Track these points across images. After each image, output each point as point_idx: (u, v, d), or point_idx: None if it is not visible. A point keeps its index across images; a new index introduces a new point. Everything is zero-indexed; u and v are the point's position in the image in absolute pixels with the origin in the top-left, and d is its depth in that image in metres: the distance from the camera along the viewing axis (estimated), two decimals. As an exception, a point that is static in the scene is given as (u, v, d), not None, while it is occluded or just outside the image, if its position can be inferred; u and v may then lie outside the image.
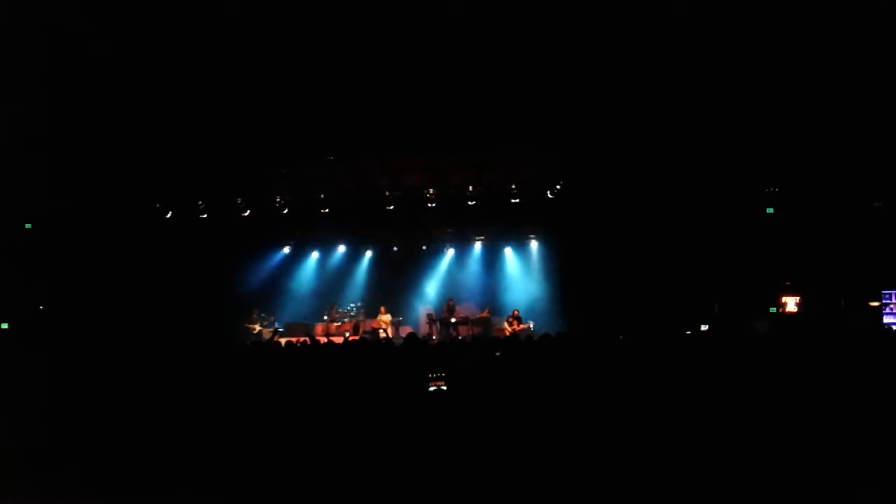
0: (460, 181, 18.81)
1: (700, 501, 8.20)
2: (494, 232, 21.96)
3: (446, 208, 19.38)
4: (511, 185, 18.77)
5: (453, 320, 20.91)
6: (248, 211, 19.65)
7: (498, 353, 11.51)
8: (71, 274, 18.96)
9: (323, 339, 14.90)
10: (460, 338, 19.92)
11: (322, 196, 19.59)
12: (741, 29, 14.09)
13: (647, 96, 15.57)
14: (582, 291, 19.15)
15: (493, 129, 15.82)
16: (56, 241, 18.93)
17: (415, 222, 20.59)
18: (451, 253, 22.77)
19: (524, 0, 13.15)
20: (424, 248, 22.76)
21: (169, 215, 19.53)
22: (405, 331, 20.60)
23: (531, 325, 19.76)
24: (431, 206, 19.29)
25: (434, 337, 20.34)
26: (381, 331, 20.44)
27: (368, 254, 23.08)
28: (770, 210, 17.75)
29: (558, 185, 18.47)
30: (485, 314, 21.25)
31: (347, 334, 20.45)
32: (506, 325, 20.15)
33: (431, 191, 19.02)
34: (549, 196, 18.63)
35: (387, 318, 20.97)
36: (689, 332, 15.18)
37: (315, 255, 23.08)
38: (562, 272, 20.42)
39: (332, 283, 22.69)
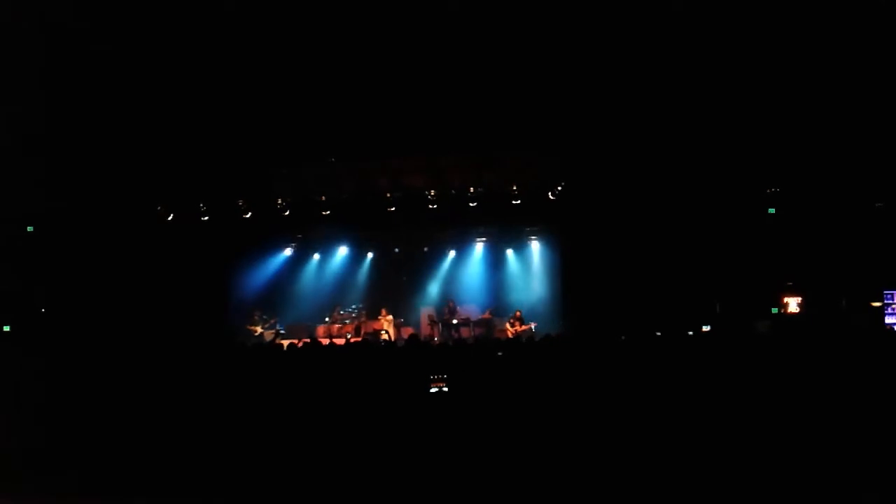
0: (461, 182, 18.78)
1: (702, 501, 8.21)
2: (496, 233, 21.93)
3: (447, 209, 19.34)
4: (512, 186, 18.74)
5: (454, 322, 20.90)
6: (250, 213, 19.62)
7: (500, 354, 11.53)
8: (72, 276, 18.95)
9: (325, 341, 14.90)
10: (462, 339, 19.94)
11: (323, 198, 19.56)
12: (742, 29, 14.09)
13: (648, 96, 15.56)
14: (583, 292, 19.12)
15: (494, 129, 15.81)
16: (57, 244, 18.92)
17: (416, 223, 20.55)
18: (452, 254, 22.75)
19: (524, 0, 13.14)
20: (425, 249, 22.75)
21: (170, 217, 19.50)
22: (407, 332, 20.60)
23: (533, 327, 19.74)
24: (432, 208, 19.26)
25: (435, 338, 20.31)
26: (382, 332, 20.44)
27: (370, 255, 23.07)
28: (772, 210, 17.73)
29: (559, 185, 18.44)
30: (486, 315, 21.23)
31: (349, 336, 20.44)
32: (507, 326, 20.13)
33: (432, 192, 19.00)
34: (551, 197, 18.59)
35: (389, 319, 20.96)
36: (690, 333, 15.17)
37: (316, 256, 23.07)
38: (563, 273, 20.38)
39: (334, 285, 22.66)
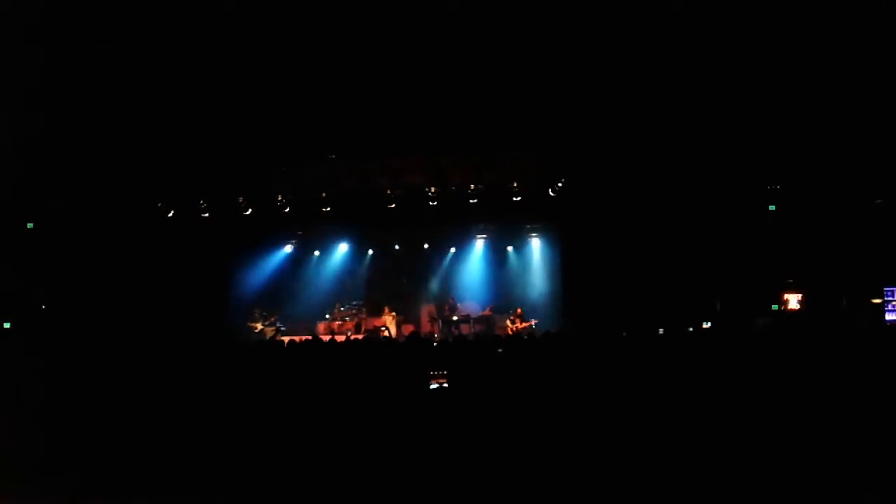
0: (461, 179, 18.76)
1: (702, 500, 8.21)
2: (496, 230, 21.93)
3: (447, 207, 19.33)
4: (512, 184, 18.73)
5: (455, 319, 20.91)
6: (250, 210, 19.61)
7: (500, 351, 11.54)
8: (73, 274, 18.95)
9: (325, 338, 14.91)
10: (462, 336, 19.94)
11: (323, 195, 19.55)
12: (742, 27, 14.07)
13: (649, 94, 15.55)
14: (584, 289, 19.12)
15: (494, 128, 15.79)
16: (57, 241, 18.92)
17: (416, 221, 20.56)
18: (452, 251, 22.76)
19: (524, 0, 13.13)
20: (426, 246, 22.75)
21: (171, 214, 19.50)
22: (407, 329, 20.63)
23: (533, 324, 19.75)
24: (433, 205, 19.25)
25: (436, 335, 20.33)
26: (382, 329, 20.46)
27: (370, 252, 23.07)
28: (772, 207, 17.72)
29: (559, 183, 18.43)
30: (486, 312, 21.25)
31: (350, 333, 20.45)
32: (507, 323, 20.15)
33: (433, 189, 18.99)
34: (551, 194, 18.58)
35: (391, 316, 20.97)
36: (691, 330, 15.18)
37: (317, 253, 23.08)
38: (563, 270, 20.38)
39: (334, 282, 22.68)
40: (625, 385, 9.89)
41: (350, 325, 21.25)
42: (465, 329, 20.79)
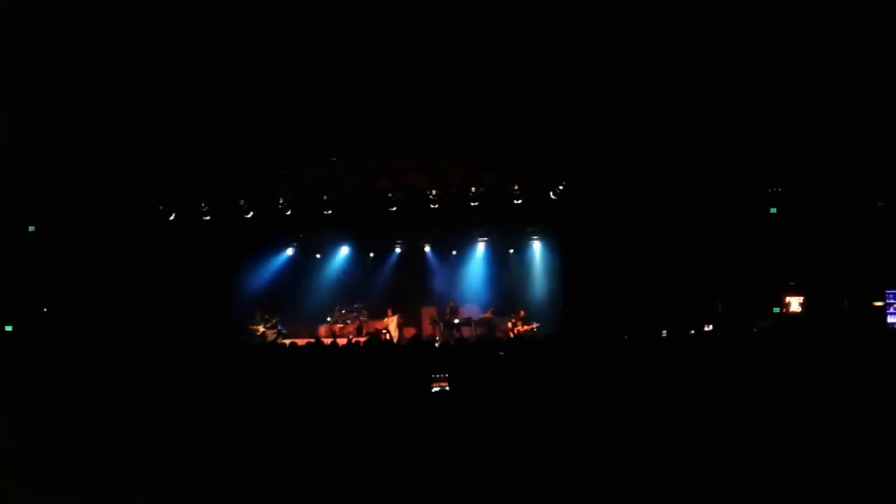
0: (462, 182, 18.75)
1: (703, 501, 8.20)
2: (497, 232, 21.92)
3: (448, 209, 19.33)
4: (513, 186, 18.72)
5: (456, 321, 20.91)
6: (251, 213, 19.61)
7: (502, 353, 11.54)
8: (73, 276, 18.96)
9: (327, 341, 14.91)
10: (464, 338, 19.95)
11: (325, 197, 19.56)
12: (743, 29, 14.07)
13: (650, 96, 15.55)
14: (585, 292, 19.12)
15: (494, 128, 15.79)
16: (58, 243, 18.93)
17: (417, 223, 20.56)
18: (453, 254, 22.76)
19: (524, 0, 13.13)
20: (427, 249, 22.77)
21: (172, 217, 19.50)
22: (409, 332, 20.64)
23: (535, 327, 19.75)
24: (434, 208, 19.25)
25: (437, 338, 20.33)
26: (383, 332, 20.46)
27: (371, 255, 23.08)
28: (773, 210, 17.72)
29: (561, 185, 18.43)
30: (487, 315, 21.24)
31: (351, 336, 20.45)
32: (509, 325, 20.14)
33: (434, 192, 18.99)
34: (552, 196, 18.58)
35: (394, 319, 20.97)
36: (693, 332, 15.17)
37: (318, 256, 23.08)
38: (565, 272, 20.38)
39: (335, 285, 22.69)
40: (626, 388, 9.88)
41: (351, 327, 21.25)
42: (466, 332, 20.80)
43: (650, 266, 18.22)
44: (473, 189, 18.82)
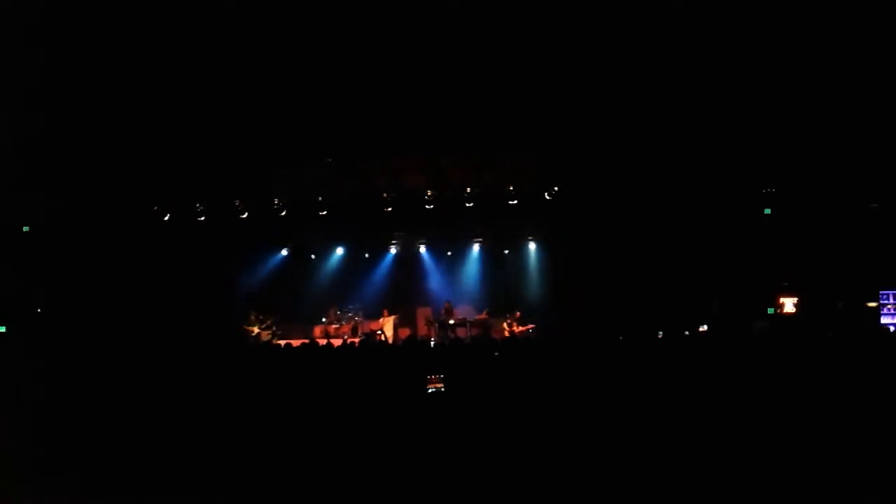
0: (459, 182, 18.76)
1: (701, 501, 8.23)
2: (493, 233, 21.91)
3: (445, 210, 19.33)
4: (509, 187, 18.74)
5: (451, 322, 20.90)
6: (246, 213, 19.60)
7: (497, 354, 11.55)
8: (69, 277, 18.94)
9: (322, 342, 14.90)
10: (459, 339, 19.94)
11: (320, 198, 19.55)
12: (739, 30, 14.12)
13: (645, 97, 15.58)
14: (581, 292, 19.16)
15: (493, 128, 15.81)
16: (54, 244, 18.91)
17: (413, 224, 20.57)
18: (449, 255, 22.77)
19: (524, 1, 13.14)
20: (423, 249, 22.77)
21: (167, 218, 19.49)
22: (404, 333, 20.63)
23: (530, 328, 19.77)
24: (430, 208, 19.25)
25: (432, 339, 20.32)
26: (378, 333, 20.44)
27: (366, 256, 23.07)
28: (767, 211, 17.78)
29: (556, 187, 18.45)
30: (483, 316, 21.23)
31: (346, 336, 20.43)
32: (504, 326, 20.14)
33: (430, 192, 18.99)
34: (547, 198, 18.61)
35: (389, 320, 20.96)
36: (687, 333, 15.21)
37: (313, 256, 23.07)
38: (560, 273, 20.41)
39: (331, 286, 22.67)
40: (622, 388, 9.91)
41: (347, 328, 21.22)
42: (461, 332, 20.78)
43: (645, 267, 18.27)
44: (469, 190, 18.83)
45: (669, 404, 9.60)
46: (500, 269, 22.37)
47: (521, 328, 19.80)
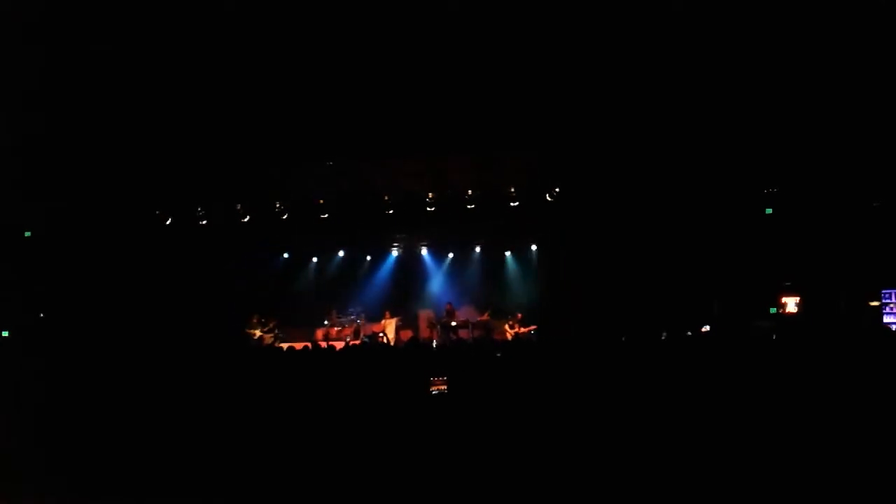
0: (460, 184, 18.77)
1: (702, 502, 8.22)
2: (494, 235, 21.92)
3: (446, 212, 19.35)
4: (510, 189, 18.75)
5: (453, 324, 20.92)
6: (248, 217, 19.63)
7: (499, 355, 11.54)
8: (70, 281, 18.96)
9: (323, 344, 14.91)
10: (461, 341, 19.95)
11: (321, 201, 19.57)
12: (739, 30, 14.09)
13: (646, 97, 15.55)
14: (583, 294, 19.17)
15: (493, 129, 15.78)
16: (55, 248, 18.92)
17: (414, 226, 20.60)
18: (450, 256, 22.79)
19: (524, 0, 13.13)
20: (424, 251, 22.80)
21: (168, 222, 19.51)
22: (405, 335, 20.65)
23: (532, 329, 19.78)
24: (431, 210, 19.27)
25: (434, 341, 20.34)
26: (380, 335, 20.46)
27: (368, 258, 23.10)
28: (769, 211, 17.76)
29: (557, 188, 18.45)
30: (484, 317, 21.25)
31: (348, 339, 20.46)
32: (506, 327, 20.15)
33: (431, 195, 19.00)
34: (549, 199, 18.62)
35: (391, 322, 20.98)
36: (690, 334, 15.20)
37: (314, 260, 23.09)
38: (561, 274, 20.42)
39: (332, 288, 22.71)
40: (624, 389, 9.90)
41: (348, 330, 21.26)
42: (463, 334, 20.81)
43: (647, 268, 18.27)
44: (470, 192, 18.85)
45: (672, 405, 9.59)
46: (501, 270, 22.41)
47: (522, 330, 19.80)
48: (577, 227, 19.14)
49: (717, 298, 17.97)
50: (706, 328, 16.63)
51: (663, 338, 13.91)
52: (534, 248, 22.06)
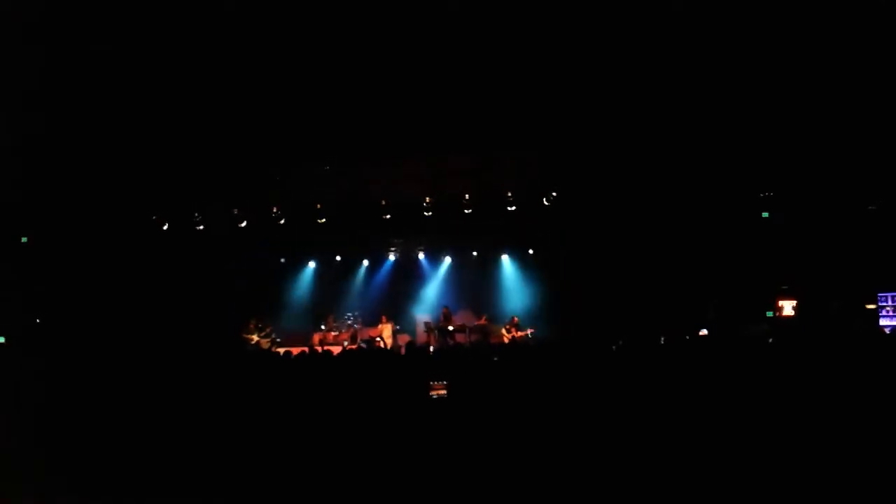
0: (457, 188, 18.78)
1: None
2: (491, 239, 21.93)
3: (442, 216, 19.36)
4: (507, 193, 18.77)
5: (450, 328, 20.91)
6: (245, 222, 19.63)
7: (496, 359, 11.54)
8: (67, 286, 18.95)
9: (320, 349, 14.91)
10: (458, 345, 19.93)
11: (318, 206, 19.58)
12: (737, 33, 14.14)
13: (643, 101, 15.59)
14: (580, 297, 19.18)
15: (491, 131, 15.80)
16: (52, 253, 18.91)
17: (411, 230, 20.62)
18: (447, 261, 22.80)
19: (524, 1, 13.15)
20: (421, 256, 22.81)
21: (165, 227, 19.52)
22: (402, 339, 20.64)
23: (529, 333, 19.78)
24: (428, 215, 19.29)
25: (431, 345, 20.34)
26: (377, 339, 20.45)
27: (365, 263, 23.10)
28: (765, 214, 17.80)
29: (553, 192, 18.48)
30: (482, 321, 21.26)
31: (345, 343, 20.44)
32: (503, 331, 20.15)
33: (427, 199, 19.01)
34: (545, 203, 18.64)
35: (388, 326, 20.98)
36: (686, 337, 15.21)
37: (311, 264, 23.09)
38: (558, 278, 20.44)
39: (329, 293, 22.70)
40: (621, 393, 9.90)
41: (345, 335, 21.25)
42: (460, 338, 20.81)
43: (644, 271, 18.29)
44: (467, 196, 18.86)
45: (669, 408, 9.58)
46: (498, 274, 22.41)
47: (519, 333, 19.81)
48: (574, 231, 19.17)
49: (713, 302, 17.99)
50: (704, 332, 16.65)
51: (661, 342, 13.95)
52: (531, 252, 22.05)
